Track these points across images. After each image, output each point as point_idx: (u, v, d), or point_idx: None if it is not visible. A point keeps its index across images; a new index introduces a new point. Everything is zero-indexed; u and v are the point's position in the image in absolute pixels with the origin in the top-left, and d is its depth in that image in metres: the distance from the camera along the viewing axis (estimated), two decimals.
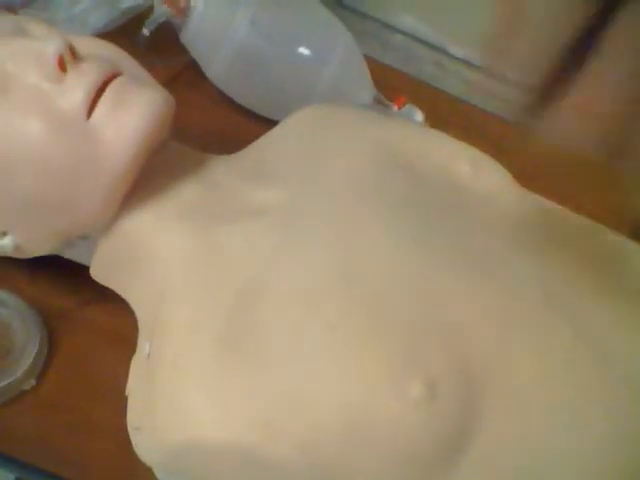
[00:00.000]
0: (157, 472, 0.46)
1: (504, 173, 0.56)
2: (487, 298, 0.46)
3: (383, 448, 0.41)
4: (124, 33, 0.70)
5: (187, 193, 0.51)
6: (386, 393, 0.41)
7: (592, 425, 0.44)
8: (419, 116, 0.73)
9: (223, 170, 0.54)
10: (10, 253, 0.51)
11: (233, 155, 0.57)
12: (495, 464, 0.42)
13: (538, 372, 0.44)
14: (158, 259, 0.49)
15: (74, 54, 0.46)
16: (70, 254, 0.54)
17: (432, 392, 0.41)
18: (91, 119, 0.46)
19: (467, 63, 0.96)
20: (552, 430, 0.43)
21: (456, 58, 0.97)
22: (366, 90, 0.73)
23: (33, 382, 0.53)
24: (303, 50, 0.70)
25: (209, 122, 0.71)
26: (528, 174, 0.59)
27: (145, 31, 0.70)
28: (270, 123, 0.66)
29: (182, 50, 0.72)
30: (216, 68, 0.72)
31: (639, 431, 0.44)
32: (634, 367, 0.46)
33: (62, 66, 0.46)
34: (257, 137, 0.59)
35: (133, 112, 0.47)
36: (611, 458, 0.43)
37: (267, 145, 0.57)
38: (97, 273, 0.53)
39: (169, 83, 0.52)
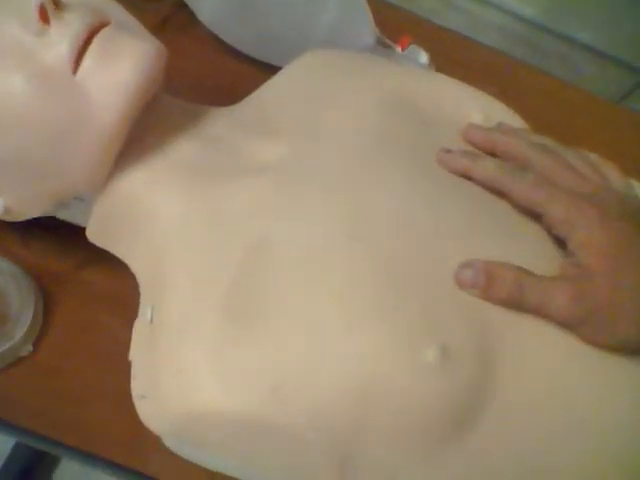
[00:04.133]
0: (165, 440, 0.45)
1: (516, 119, 0.55)
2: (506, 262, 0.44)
3: (397, 414, 0.40)
4: None
5: (185, 149, 0.48)
6: (400, 358, 0.40)
7: (614, 394, 0.43)
8: (424, 58, 0.70)
9: (222, 124, 0.51)
10: (0, 216, 0.49)
11: (232, 107, 0.54)
12: (510, 431, 0.42)
13: (555, 339, 0.43)
14: (157, 219, 0.47)
15: (57, 3, 0.43)
16: (65, 215, 0.52)
17: (446, 357, 0.40)
18: (77, 73, 0.43)
19: None
20: (570, 398, 0.42)
21: None
22: (368, 31, 0.69)
23: (30, 348, 0.52)
24: None
25: (202, 70, 0.67)
26: (538, 114, 0.58)
27: None
28: (268, 68, 0.63)
29: None
30: (208, 10, 0.68)
31: None
32: None
33: (44, 17, 0.42)
34: (255, 84, 0.56)
35: (122, 65, 0.44)
36: (633, 429, 0.42)
37: (268, 96, 0.54)
38: (94, 236, 0.51)
39: (158, 29, 0.48)
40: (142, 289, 0.49)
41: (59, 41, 0.43)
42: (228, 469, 0.45)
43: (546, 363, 0.43)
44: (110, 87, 0.44)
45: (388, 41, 0.70)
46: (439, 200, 0.46)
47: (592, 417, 0.43)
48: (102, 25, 0.44)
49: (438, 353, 0.40)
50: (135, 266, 0.50)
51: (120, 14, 0.48)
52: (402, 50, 0.70)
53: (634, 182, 0.52)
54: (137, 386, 0.45)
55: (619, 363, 0.44)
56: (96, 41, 0.43)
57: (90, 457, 0.50)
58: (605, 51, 0.95)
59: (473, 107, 0.54)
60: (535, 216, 0.46)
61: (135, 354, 0.47)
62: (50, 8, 0.42)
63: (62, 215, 0.51)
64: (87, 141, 0.45)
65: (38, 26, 0.42)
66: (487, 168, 0.47)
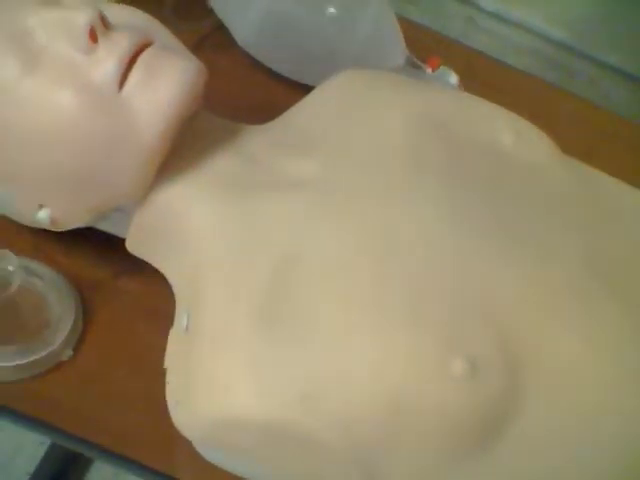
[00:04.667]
0: (197, 446, 0.46)
1: (547, 142, 0.55)
2: (533, 276, 0.45)
3: (424, 425, 0.41)
4: None
5: (221, 164, 0.50)
6: (429, 370, 0.41)
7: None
8: (454, 79, 0.71)
9: (257, 141, 0.53)
10: (46, 226, 0.51)
11: (267, 125, 0.56)
12: (536, 443, 0.42)
13: (583, 353, 0.43)
14: (193, 230, 0.49)
15: (105, 24, 0.45)
16: (104, 226, 0.53)
17: (474, 369, 0.40)
18: (123, 90, 0.46)
19: (499, 17, 0.94)
20: (597, 413, 0.43)
21: (488, 12, 0.94)
22: (399, 52, 0.70)
23: (71, 353, 0.53)
24: (333, 10, 0.68)
25: (238, 88, 0.69)
26: (568, 137, 0.58)
27: None
28: (302, 88, 0.64)
29: (209, 13, 0.71)
30: (245, 31, 0.70)
31: None
32: None
33: (94, 37, 0.45)
34: (289, 103, 0.57)
35: (165, 83, 0.46)
36: None
37: (301, 114, 0.56)
38: (133, 246, 0.53)
39: (196, 48, 0.50)
40: (177, 298, 0.50)
41: (107, 59, 0.45)
42: (257, 476, 0.46)
43: (577, 378, 0.43)
44: (154, 103, 0.46)
45: (418, 62, 0.72)
46: (469, 218, 0.47)
47: (621, 433, 0.43)
48: (147, 44, 0.46)
49: (465, 365, 0.40)
50: (171, 276, 0.51)
51: (163, 34, 0.50)
52: (432, 71, 0.71)
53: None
54: (171, 392, 0.47)
55: None
56: (141, 59, 0.46)
57: (122, 459, 0.51)
58: (635, 74, 0.95)
59: (503, 127, 0.54)
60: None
61: (170, 361, 0.48)
62: (99, 28, 0.45)
63: (102, 226, 0.53)
64: (130, 155, 0.47)
65: (87, 45, 0.45)
66: None
